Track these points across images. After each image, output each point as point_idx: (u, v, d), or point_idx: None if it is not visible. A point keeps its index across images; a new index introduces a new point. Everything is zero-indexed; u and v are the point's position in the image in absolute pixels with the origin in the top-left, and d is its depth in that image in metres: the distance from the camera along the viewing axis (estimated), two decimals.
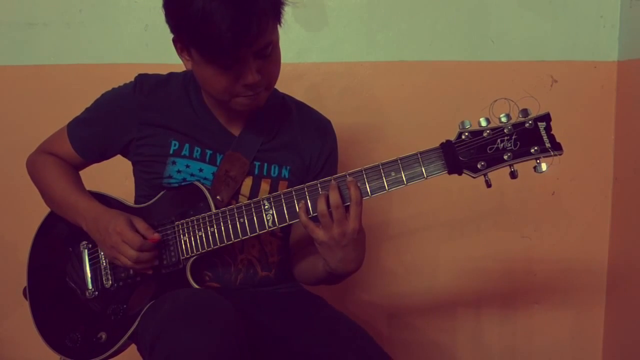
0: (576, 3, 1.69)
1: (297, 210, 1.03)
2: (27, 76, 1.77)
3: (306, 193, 1.03)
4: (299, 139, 1.24)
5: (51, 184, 1.23)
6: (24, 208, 1.62)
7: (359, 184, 1.00)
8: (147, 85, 1.20)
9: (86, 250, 1.21)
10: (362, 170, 1.01)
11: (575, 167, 1.74)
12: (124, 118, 1.19)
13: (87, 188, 1.26)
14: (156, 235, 1.11)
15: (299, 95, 1.33)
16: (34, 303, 1.24)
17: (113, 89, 1.23)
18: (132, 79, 1.22)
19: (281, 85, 1.23)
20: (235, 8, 0.95)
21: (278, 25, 1.07)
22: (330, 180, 1.01)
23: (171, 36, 1.08)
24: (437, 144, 0.99)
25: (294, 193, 1.04)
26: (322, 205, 1.00)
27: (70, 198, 1.19)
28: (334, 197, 0.99)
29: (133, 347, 1.16)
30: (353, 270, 1.10)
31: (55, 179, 1.23)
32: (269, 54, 1.05)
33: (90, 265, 1.20)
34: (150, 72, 1.23)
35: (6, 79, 1.78)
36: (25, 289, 1.27)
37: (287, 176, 1.22)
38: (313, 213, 1.02)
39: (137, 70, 1.24)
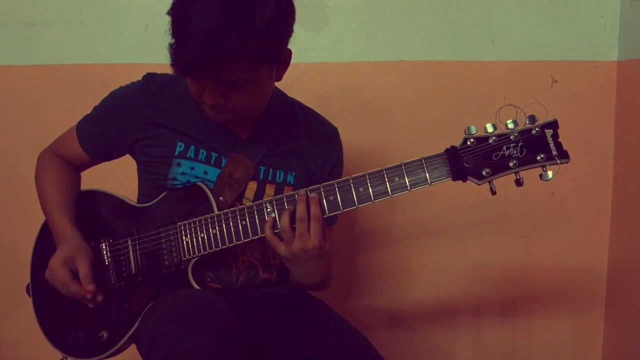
0: (576, 3, 1.69)
1: (264, 225, 1.05)
2: (27, 76, 1.77)
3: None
4: (304, 146, 1.23)
5: (44, 187, 1.24)
6: (24, 208, 1.62)
7: (361, 188, 1.00)
8: (154, 84, 1.19)
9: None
10: (365, 175, 1.01)
11: (575, 167, 1.72)
12: (129, 117, 1.18)
13: (89, 187, 1.27)
14: (90, 287, 1.10)
15: (299, 95, 1.32)
16: (37, 300, 1.24)
17: (121, 87, 1.23)
18: (136, 79, 1.21)
19: (281, 85, 1.23)
20: (206, 38, 0.94)
21: (266, 68, 1.04)
22: (333, 184, 1.02)
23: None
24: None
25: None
26: (284, 221, 1.02)
27: (52, 209, 1.21)
28: (300, 210, 1.01)
29: (133, 347, 1.16)
30: (319, 283, 1.12)
31: (50, 184, 1.23)
32: (238, 88, 1.03)
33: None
34: (149, 72, 1.22)
35: (6, 79, 1.77)
36: (28, 285, 1.26)
37: (292, 182, 1.21)
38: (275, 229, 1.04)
39: (137, 70, 1.23)
